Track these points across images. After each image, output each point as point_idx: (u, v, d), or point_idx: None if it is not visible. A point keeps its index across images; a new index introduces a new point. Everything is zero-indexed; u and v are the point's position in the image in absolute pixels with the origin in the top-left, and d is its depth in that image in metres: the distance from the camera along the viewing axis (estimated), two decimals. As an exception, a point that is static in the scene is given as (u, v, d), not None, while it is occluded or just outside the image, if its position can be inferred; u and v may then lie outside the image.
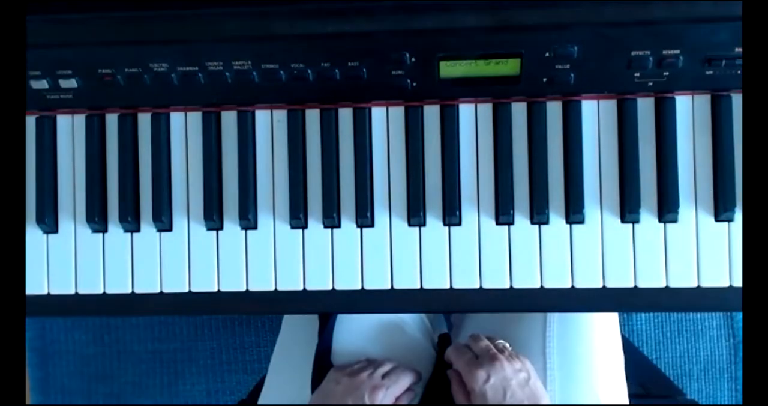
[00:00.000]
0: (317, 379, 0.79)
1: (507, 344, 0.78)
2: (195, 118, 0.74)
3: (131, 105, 0.73)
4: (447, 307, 0.71)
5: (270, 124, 0.73)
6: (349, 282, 0.72)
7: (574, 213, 0.70)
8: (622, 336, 0.85)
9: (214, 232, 0.73)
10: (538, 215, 0.70)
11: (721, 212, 0.69)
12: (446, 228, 0.72)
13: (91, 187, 0.73)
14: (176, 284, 0.73)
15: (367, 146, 0.72)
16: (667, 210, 0.69)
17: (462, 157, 0.72)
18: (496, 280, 0.71)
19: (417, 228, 0.72)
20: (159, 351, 1.30)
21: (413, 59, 0.66)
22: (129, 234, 0.74)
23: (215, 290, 0.73)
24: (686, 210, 0.70)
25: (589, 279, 0.70)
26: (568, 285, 0.71)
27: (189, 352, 1.30)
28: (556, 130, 0.71)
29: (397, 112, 0.72)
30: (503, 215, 0.71)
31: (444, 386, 0.80)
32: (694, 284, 0.70)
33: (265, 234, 0.73)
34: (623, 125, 0.70)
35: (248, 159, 0.73)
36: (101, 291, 0.74)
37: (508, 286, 0.71)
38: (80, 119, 0.74)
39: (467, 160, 0.72)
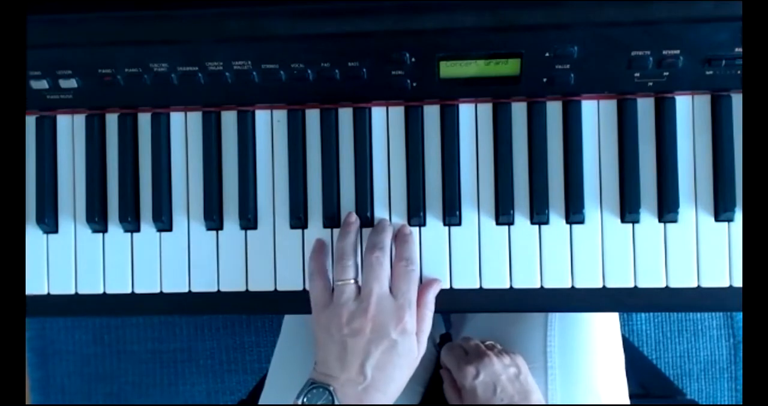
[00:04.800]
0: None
1: (497, 344, 0.79)
2: (195, 118, 0.74)
3: (131, 105, 0.73)
4: (447, 307, 0.71)
5: (270, 124, 0.73)
6: (349, 282, 0.72)
7: (574, 213, 0.70)
8: (622, 336, 0.85)
9: (214, 232, 0.73)
10: (538, 215, 0.70)
11: (721, 212, 0.69)
12: (446, 228, 0.72)
13: (91, 187, 0.73)
14: (176, 284, 0.73)
15: (367, 146, 0.72)
16: (667, 210, 0.69)
17: (462, 157, 0.72)
18: (496, 280, 0.71)
19: (417, 228, 0.72)
20: (159, 351, 1.30)
21: (413, 59, 0.66)
22: (129, 234, 0.74)
23: (215, 290, 0.73)
24: (686, 210, 0.70)
25: (589, 279, 0.70)
26: (568, 285, 0.71)
27: (189, 352, 1.30)
28: (556, 130, 0.71)
29: (397, 112, 0.72)
30: (503, 215, 0.71)
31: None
32: (694, 284, 0.70)
33: (265, 234, 0.73)
34: (623, 125, 0.70)
35: (248, 159, 0.73)
36: (101, 291, 0.74)
37: (508, 286, 0.71)
38: (80, 119, 0.74)
39: (467, 160, 0.72)
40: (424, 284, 0.70)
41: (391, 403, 0.67)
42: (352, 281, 0.68)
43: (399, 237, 0.71)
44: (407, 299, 0.67)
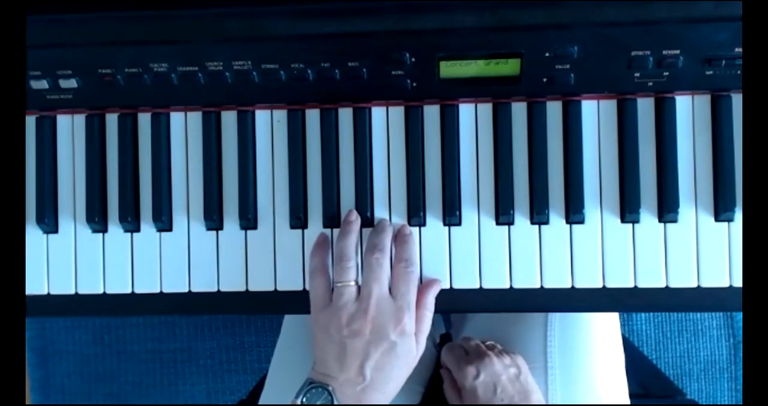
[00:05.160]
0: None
1: (498, 344, 0.79)
2: (195, 118, 0.74)
3: (131, 105, 0.73)
4: (447, 307, 0.71)
5: (270, 124, 0.73)
6: (349, 282, 0.72)
7: (574, 213, 0.70)
8: (622, 336, 0.85)
9: (214, 232, 0.73)
10: (538, 215, 0.70)
11: (721, 212, 0.69)
12: (446, 228, 0.72)
13: (91, 187, 0.73)
14: (176, 284, 0.73)
15: (367, 146, 0.72)
16: (667, 210, 0.69)
17: (462, 157, 0.72)
18: (496, 280, 0.71)
19: (417, 228, 0.72)
20: (159, 351, 1.30)
21: (413, 59, 0.66)
22: (129, 234, 0.74)
23: (215, 290, 0.73)
24: (686, 210, 0.70)
25: (589, 279, 0.70)
26: (568, 285, 0.71)
27: (189, 352, 1.30)
28: (556, 130, 0.71)
29: (397, 112, 0.72)
30: (503, 215, 0.71)
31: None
32: (694, 284, 0.70)
33: (265, 234, 0.73)
34: (623, 125, 0.70)
35: (248, 159, 0.73)
36: (101, 291, 0.74)
37: (508, 286, 0.71)
38: (80, 119, 0.74)
39: (467, 160, 0.72)
40: (423, 285, 0.70)
41: (389, 402, 0.67)
42: (353, 283, 0.68)
43: (399, 238, 0.71)
44: (406, 300, 0.67)
